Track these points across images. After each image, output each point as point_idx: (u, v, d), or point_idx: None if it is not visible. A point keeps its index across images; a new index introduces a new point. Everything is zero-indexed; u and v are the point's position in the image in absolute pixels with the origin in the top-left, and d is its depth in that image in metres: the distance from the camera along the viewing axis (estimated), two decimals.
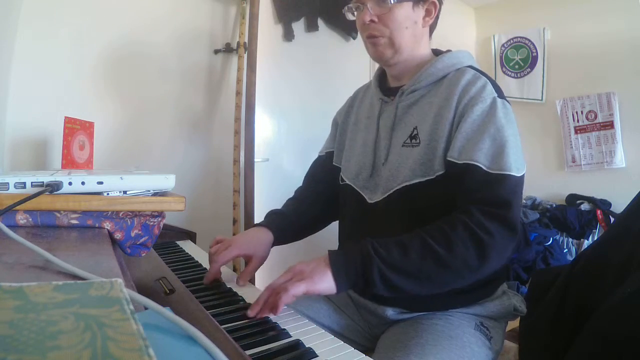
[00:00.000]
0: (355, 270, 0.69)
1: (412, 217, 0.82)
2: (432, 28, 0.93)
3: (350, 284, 0.69)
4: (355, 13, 0.89)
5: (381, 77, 1.00)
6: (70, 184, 0.60)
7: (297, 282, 0.66)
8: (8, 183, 0.57)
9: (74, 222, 0.60)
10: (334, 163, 1.05)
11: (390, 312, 0.86)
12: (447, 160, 0.79)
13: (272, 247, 0.94)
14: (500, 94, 0.82)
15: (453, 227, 0.71)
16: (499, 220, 0.71)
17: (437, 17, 0.91)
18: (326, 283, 0.67)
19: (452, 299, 0.84)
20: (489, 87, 0.81)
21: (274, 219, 0.98)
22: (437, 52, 0.94)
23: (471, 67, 0.87)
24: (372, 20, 0.85)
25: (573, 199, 2.57)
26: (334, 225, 1.07)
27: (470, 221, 0.70)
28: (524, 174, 0.77)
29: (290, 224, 0.98)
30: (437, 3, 0.89)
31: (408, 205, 0.83)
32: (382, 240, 0.72)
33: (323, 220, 1.08)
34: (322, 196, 1.06)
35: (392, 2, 0.83)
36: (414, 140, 0.84)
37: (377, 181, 0.89)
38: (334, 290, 0.68)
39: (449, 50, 0.93)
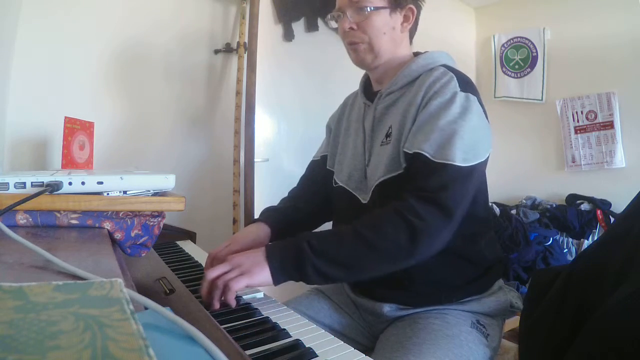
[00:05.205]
0: (291, 263, 0.72)
1: None
2: (411, 32, 0.96)
3: (286, 277, 0.72)
4: (337, 21, 0.92)
5: (366, 83, 1.03)
6: (70, 184, 0.60)
7: (238, 277, 0.69)
8: (8, 183, 0.57)
9: (74, 222, 0.60)
10: (327, 167, 1.07)
11: (387, 309, 0.87)
12: (402, 151, 0.82)
13: (270, 242, 0.94)
14: (464, 87, 0.82)
15: (383, 212, 0.75)
16: (431, 202, 0.73)
17: (416, 22, 0.94)
18: (263, 276, 0.70)
19: (448, 294, 0.85)
20: (454, 82, 0.82)
21: (270, 214, 0.99)
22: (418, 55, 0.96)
23: (445, 65, 0.88)
24: (351, 28, 0.89)
25: (573, 199, 2.57)
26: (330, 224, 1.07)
27: (400, 206, 0.74)
28: (473, 166, 0.76)
29: (285, 218, 0.99)
30: (415, 9, 0.92)
31: (385, 200, 0.85)
32: (322, 232, 0.77)
33: (319, 218, 1.09)
34: (318, 195, 1.07)
35: (369, 10, 0.86)
36: (388, 139, 0.87)
37: (367, 182, 0.92)
38: (270, 283, 0.71)
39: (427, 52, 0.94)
